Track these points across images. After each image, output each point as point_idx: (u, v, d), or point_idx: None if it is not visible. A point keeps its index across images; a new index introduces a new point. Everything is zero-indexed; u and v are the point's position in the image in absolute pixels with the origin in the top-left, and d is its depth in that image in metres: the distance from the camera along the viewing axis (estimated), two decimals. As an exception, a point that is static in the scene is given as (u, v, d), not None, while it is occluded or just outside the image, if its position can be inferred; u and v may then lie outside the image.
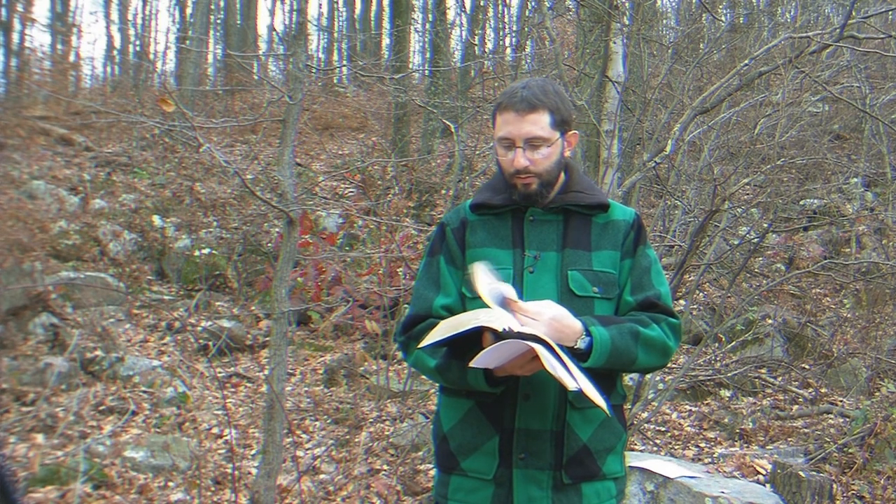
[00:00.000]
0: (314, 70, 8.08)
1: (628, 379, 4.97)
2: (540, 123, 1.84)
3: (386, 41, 17.68)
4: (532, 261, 1.86)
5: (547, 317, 1.70)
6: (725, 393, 6.59)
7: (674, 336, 1.86)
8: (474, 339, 1.68)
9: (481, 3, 14.86)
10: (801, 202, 10.26)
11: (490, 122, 1.97)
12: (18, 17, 15.14)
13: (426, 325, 1.86)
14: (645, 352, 1.81)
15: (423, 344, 1.70)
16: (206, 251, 8.57)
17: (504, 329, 1.61)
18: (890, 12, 9.98)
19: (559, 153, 1.89)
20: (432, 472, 4.84)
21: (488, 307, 1.70)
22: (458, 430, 1.87)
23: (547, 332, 1.66)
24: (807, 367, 7.15)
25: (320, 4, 33.23)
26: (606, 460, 1.85)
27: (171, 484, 4.60)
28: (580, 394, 1.59)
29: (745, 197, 9.16)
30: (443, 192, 10.30)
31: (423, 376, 2.05)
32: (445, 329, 1.68)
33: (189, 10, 18.96)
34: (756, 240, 7.67)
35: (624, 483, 1.92)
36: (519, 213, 1.91)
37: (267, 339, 6.93)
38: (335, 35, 21.71)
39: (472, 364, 1.64)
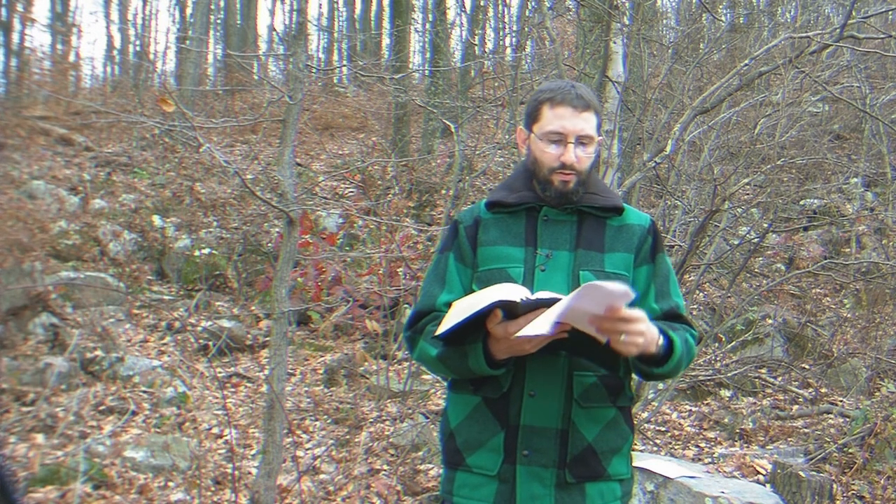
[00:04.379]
0: (314, 70, 8.08)
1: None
2: (591, 122, 1.87)
3: (386, 41, 17.69)
4: (544, 259, 1.86)
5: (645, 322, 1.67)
6: (725, 393, 6.60)
7: (695, 348, 1.89)
8: (479, 322, 1.68)
9: (481, 3, 14.86)
10: (801, 202, 10.26)
11: (526, 116, 1.96)
12: (18, 17, 15.15)
13: (430, 319, 1.88)
14: (686, 362, 1.84)
15: (438, 331, 1.71)
16: (206, 251, 8.57)
17: (522, 300, 1.61)
18: (890, 12, 9.98)
19: (595, 155, 1.92)
20: (432, 472, 4.84)
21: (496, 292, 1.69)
22: (464, 426, 1.88)
23: (647, 338, 1.65)
24: (807, 367, 7.15)
25: (320, 4, 33.23)
26: (612, 461, 1.84)
27: (171, 484, 4.60)
28: (608, 346, 1.61)
29: (745, 197, 9.16)
30: (443, 192, 10.30)
31: (429, 371, 2.06)
32: (460, 312, 1.67)
33: (189, 10, 18.96)
34: (756, 240, 7.67)
35: (630, 485, 1.91)
36: (533, 212, 1.91)
37: (267, 339, 6.92)
38: (335, 35, 21.69)
39: (517, 336, 1.63)
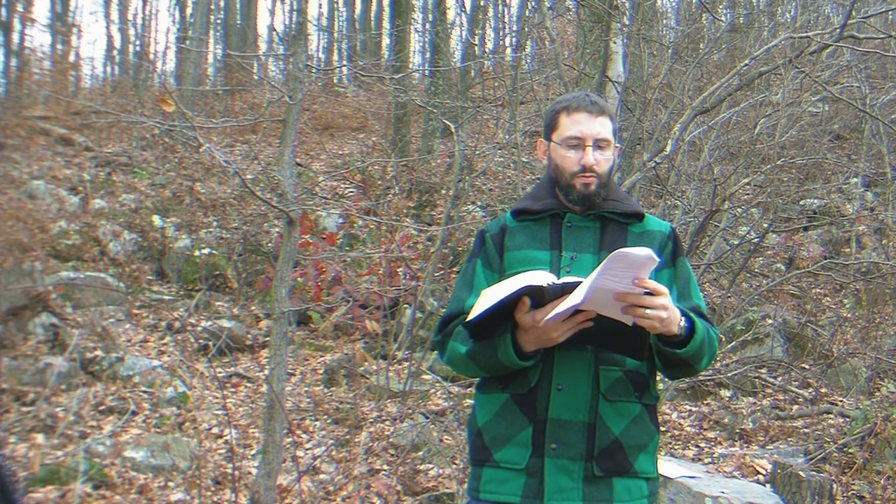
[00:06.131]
0: (314, 70, 8.08)
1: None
2: (607, 127, 1.97)
3: (386, 41, 17.68)
4: (569, 261, 1.92)
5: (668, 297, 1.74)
6: (725, 393, 6.59)
7: (716, 342, 1.94)
8: (507, 313, 1.74)
9: (481, 3, 14.86)
10: (801, 202, 10.26)
11: (545, 128, 2.05)
12: (18, 17, 15.16)
13: (459, 322, 1.93)
14: (708, 353, 1.88)
15: (470, 317, 1.76)
16: (206, 251, 8.57)
17: (549, 284, 1.67)
18: (890, 12, 9.98)
19: (613, 160, 2.00)
20: (432, 472, 4.84)
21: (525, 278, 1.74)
22: (492, 423, 1.92)
23: (670, 313, 1.71)
24: (807, 367, 7.14)
25: (320, 4, 33.22)
26: (638, 458, 1.87)
27: (171, 484, 4.59)
28: (633, 331, 1.68)
29: (745, 197, 9.16)
30: (443, 192, 10.30)
31: (458, 373, 2.14)
32: (489, 299, 1.72)
33: (189, 10, 18.96)
34: (756, 240, 7.68)
35: (656, 485, 1.94)
36: (557, 218, 1.98)
37: (267, 339, 6.92)
38: (335, 35, 21.68)
39: (546, 320, 1.68)
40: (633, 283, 1.64)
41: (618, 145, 2.02)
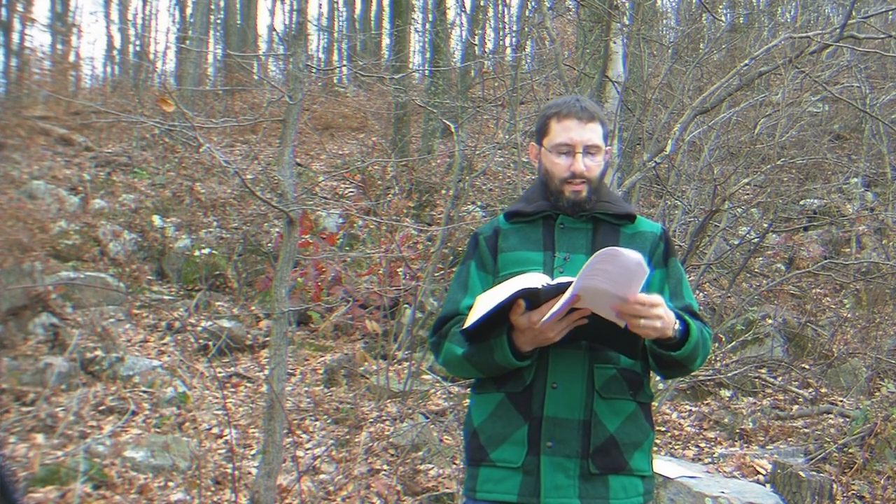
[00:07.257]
0: (314, 70, 8.08)
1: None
2: (597, 133, 1.99)
3: (386, 41, 17.68)
4: (562, 262, 1.93)
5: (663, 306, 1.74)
6: (725, 393, 6.59)
7: (710, 342, 1.96)
8: (503, 316, 1.75)
9: (481, 3, 14.85)
10: (801, 202, 10.26)
11: (536, 132, 2.08)
12: (18, 17, 15.15)
13: (454, 323, 1.95)
14: (702, 354, 1.90)
15: (465, 324, 1.78)
16: (206, 251, 8.57)
17: (543, 286, 1.69)
18: (890, 12, 9.98)
19: (605, 164, 2.02)
20: (432, 472, 4.84)
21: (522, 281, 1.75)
22: (488, 423, 1.93)
23: (665, 321, 1.72)
24: (807, 367, 7.15)
25: (320, 4, 33.22)
26: (634, 456, 1.89)
27: (171, 484, 4.59)
28: (627, 331, 1.69)
29: (745, 197, 9.16)
30: (443, 192, 10.30)
31: (455, 374, 2.16)
32: (484, 304, 1.74)
33: (189, 10, 18.96)
34: (756, 240, 7.68)
35: (652, 483, 1.96)
36: (550, 220, 2.00)
37: (267, 339, 6.92)
38: (335, 35, 21.68)
39: (543, 321, 1.70)
40: (628, 299, 1.65)
41: (608, 148, 2.03)
